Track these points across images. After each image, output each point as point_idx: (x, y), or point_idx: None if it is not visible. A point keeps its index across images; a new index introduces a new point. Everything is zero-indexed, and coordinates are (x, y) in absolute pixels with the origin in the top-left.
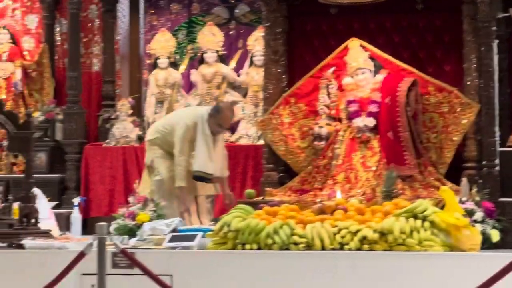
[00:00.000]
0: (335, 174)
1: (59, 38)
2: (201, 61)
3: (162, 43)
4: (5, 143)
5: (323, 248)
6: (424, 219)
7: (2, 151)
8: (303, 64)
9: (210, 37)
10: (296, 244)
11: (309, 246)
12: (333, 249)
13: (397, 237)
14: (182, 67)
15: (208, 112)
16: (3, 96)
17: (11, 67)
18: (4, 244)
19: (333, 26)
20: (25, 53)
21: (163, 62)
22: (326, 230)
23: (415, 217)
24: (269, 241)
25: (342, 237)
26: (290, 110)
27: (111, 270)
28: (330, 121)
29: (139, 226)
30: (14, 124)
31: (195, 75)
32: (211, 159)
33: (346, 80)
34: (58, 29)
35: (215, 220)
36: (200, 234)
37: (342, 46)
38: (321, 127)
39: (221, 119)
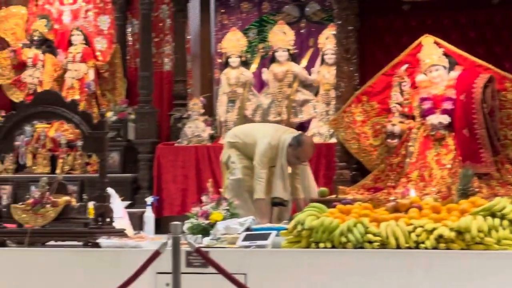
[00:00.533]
0: (408, 172)
1: (131, 39)
2: (272, 59)
3: (233, 42)
4: (79, 143)
5: (398, 247)
6: (502, 217)
7: (77, 151)
8: (375, 62)
9: (281, 36)
10: (370, 242)
11: (383, 245)
12: (408, 247)
13: (475, 235)
14: (254, 66)
15: (289, 142)
16: (77, 97)
17: (84, 68)
18: (80, 243)
19: (406, 23)
20: (98, 53)
21: (234, 61)
22: (401, 228)
23: (493, 215)
24: (343, 239)
25: (418, 235)
26: (362, 108)
27: (185, 269)
28: (403, 119)
29: (212, 225)
30: (88, 124)
31: (266, 74)
32: (286, 188)
33: (420, 78)
34: (129, 29)
35: (290, 219)
36: (274, 232)
37: (415, 43)
38: (394, 125)
39: (300, 152)
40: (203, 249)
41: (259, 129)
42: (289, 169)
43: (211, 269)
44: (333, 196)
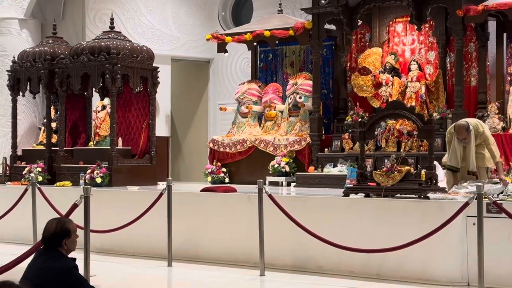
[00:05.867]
0: None
1: (448, 65)
2: None
3: None
4: (415, 132)
5: None
6: None
7: (414, 138)
8: None
9: None
10: None
11: None
12: None
13: None
14: None
15: None
16: (413, 104)
17: (418, 85)
18: (416, 196)
19: None
20: (427, 76)
21: None
22: None
23: None
24: None
25: None
26: None
27: (486, 214)
28: None
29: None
30: (421, 121)
31: None
32: None
33: None
34: (448, 59)
35: None
36: None
37: None
38: None
39: None
40: (498, 201)
41: None
42: None
43: (503, 215)
44: None
